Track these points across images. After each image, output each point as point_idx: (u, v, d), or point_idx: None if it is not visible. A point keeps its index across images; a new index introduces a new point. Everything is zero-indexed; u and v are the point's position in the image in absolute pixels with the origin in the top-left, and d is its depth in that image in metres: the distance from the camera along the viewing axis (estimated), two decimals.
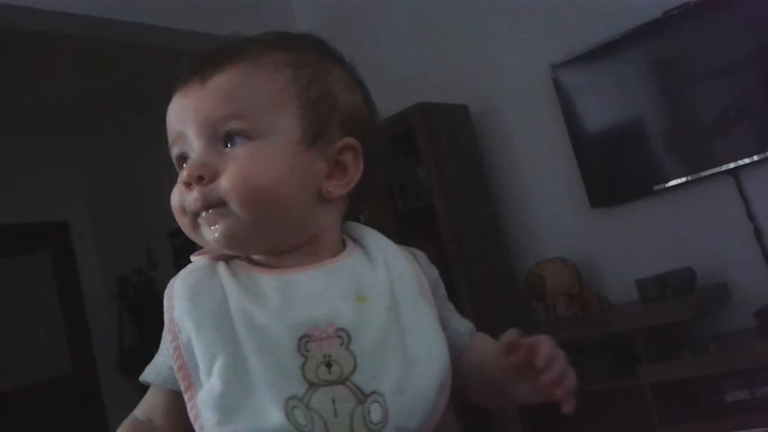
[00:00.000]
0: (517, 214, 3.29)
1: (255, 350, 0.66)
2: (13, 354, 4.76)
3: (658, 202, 2.85)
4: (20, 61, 4.03)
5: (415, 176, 3.22)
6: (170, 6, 3.12)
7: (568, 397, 0.69)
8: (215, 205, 0.70)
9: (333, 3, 3.71)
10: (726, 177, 2.67)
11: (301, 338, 0.67)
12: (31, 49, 3.85)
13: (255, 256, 0.75)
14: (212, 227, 0.71)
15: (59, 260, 5.30)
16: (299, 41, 0.79)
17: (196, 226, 0.73)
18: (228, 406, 0.65)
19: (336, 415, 0.64)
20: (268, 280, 0.72)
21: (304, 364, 0.66)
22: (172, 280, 0.75)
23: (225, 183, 0.69)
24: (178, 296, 0.72)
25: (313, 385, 0.65)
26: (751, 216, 2.64)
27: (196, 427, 0.68)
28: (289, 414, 0.63)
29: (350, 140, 0.75)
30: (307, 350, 0.66)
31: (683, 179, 2.75)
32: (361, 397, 0.66)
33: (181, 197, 0.73)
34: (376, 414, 0.65)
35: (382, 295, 0.72)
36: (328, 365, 0.66)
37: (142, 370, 0.76)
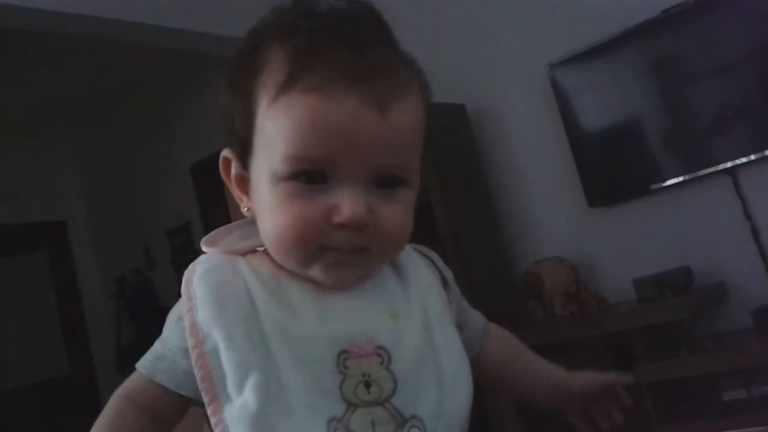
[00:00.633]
0: (515, 214, 3.30)
1: (291, 365, 0.62)
2: (11, 354, 4.76)
3: (655, 201, 2.86)
4: (20, 61, 4.03)
5: None
6: (170, 6, 3.11)
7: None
8: (359, 250, 0.65)
9: None
10: (723, 176, 2.67)
11: (340, 354, 0.63)
12: (31, 49, 3.85)
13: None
14: (339, 269, 0.66)
15: (57, 260, 5.29)
16: (394, 38, 0.72)
17: (313, 260, 0.66)
18: (264, 426, 0.61)
19: None
20: (298, 290, 0.67)
21: (342, 382, 0.62)
22: (188, 276, 0.70)
23: (386, 232, 0.65)
24: (201, 297, 0.66)
25: (351, 405, 0.61)
26: (748, 215, 2.64)
27: None
28: None
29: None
30: (346, 367, 0.63)
31: (681, 178, 2.75)
32: (400, 420, 0.63)
33: (311, 228, 0.64)
34: None
35: (415, 312, 0.69)
36: (367, 385, 0.62)
37: None
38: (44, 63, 4.15)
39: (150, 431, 0.69)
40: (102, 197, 5.37)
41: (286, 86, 0.63)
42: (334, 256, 0.65)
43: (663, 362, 2.43)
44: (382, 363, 0.64)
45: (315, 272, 0.66)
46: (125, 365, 4.86)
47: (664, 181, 2.80)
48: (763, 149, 2.56)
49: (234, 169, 0.73)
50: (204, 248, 0.73)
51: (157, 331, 0.71)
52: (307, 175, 0.64)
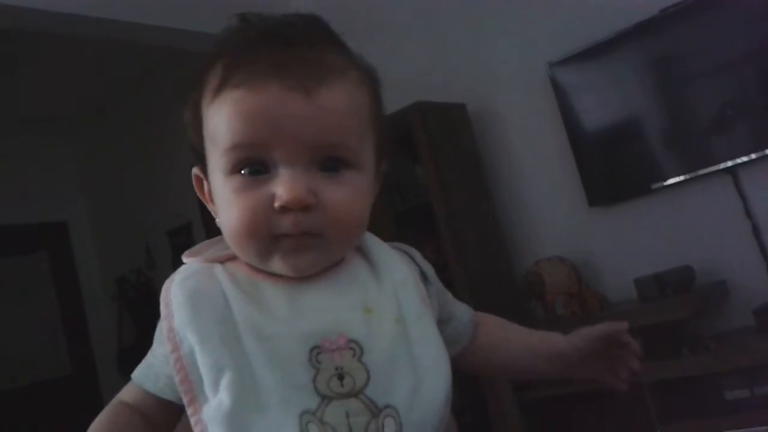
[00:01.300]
0: (516, 213, 3.29)
1: (264, 362, 0.64)
2: (13, 354, 4.75)
3: (656, 200, 2.86)
4: (20, 61, 4.03)
5: (413, 175, 3.22)
6: (170, 6, 3.12)
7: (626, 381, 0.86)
8: (311, 234, 0.67)
9: (331, 2, 3.70)
10: (724, 175, 2.67)
11: (312, 349, 0.65)
12: (31, 50, 3.85)
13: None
14: (295, 255, 0.67)
15: (58, 261, 5.30)
16: (335, 38, 0.73)
17: (270, 251, 0.68)
18: (239, 423, 0.62)
19: (350, 429, 0.63)
20: (272, 289, 0.69)
21: (315, 377, 0.64)
22: (167, 285, 0.72)
23: (335, 214, 0.67)
24: (177, 303, 0.69)
25: (325, 398, 0.63)
26: (749, 214, 2.64)
27: None
28: (303, 430, 0.62)
29: (385, 162, 0.77)
30: (319, 362, 0.64)
31: (681, 178, 2.75)
32: (375, 410, 0.64)
33: (259, 218, 0.67)
34: (390, 428, 0.64)
35: (389, 306, 0.71)
36: (340, 377, 0.64)
37: None
38: (45, 63, 4.15)
39: None
40: (103, 198, 5.38)
41: (219, 87, 0.67)
42: (287, 242, 0.66)
43: (664, 362, 2.43)
44: (354, 356, 0.65)
45: (275, 264, 0.68)
46: (126, 365, 4.86)
47: (664, 181, 2.79)
48: (764, 148, 2.56)
49: (206, 185, 0.76)
50: (185, 259, 0.75)
51: None
52: (250, 168, 0.67)
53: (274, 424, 0.62)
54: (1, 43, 3.62)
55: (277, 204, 0.65)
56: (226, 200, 0.69)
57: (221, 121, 0.67)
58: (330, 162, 0.67)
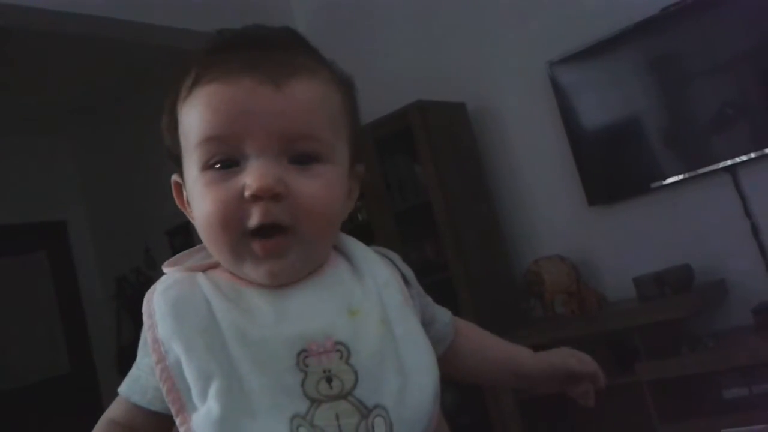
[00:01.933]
0: (515, 212, 3.30)
1: (252, 368, 0.64)
2: (11, 354, 4.76)
3: (655, 199, 2.86)
4: (19, 60, 4.03)
5: (412, 174, 3.22)
6: (170, 6, 3.12)
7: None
8: (281, 226, 0.67)
9: (331, 1, 3.71)
10: (723, 174, 2.67)
11: (299, 353, 0.65)
12: (31, 49, 3.85)
13: None
14: (267, 261, 0.67)
15: (57, 260, 5.30)
16: (308, 46, 0.75)
17: (241, 250, 0.68)
18: (229, 430, 0.62)
19: (341, 431, 0.63)
20: (256, 294, 0.69)
21: (304, 380, 0.64)
22: (148, 296, 0.72)
23: (305, 206, 0.67)
24: (161, 313, 0.69)
25: (314, 402, 0.63)
26: (748, 213, 2.64)
27: None
28: None
29: (361, 166, 0.78)
30: (306, 365, 0.64)
31: (680, 177, 2.75)
32: (364, 411, 0.64)
33: (230, 209, 0.67)
34: (380, 428, 0.64)
35: (373, 307, 0.71)
36: (329, 380, 0.64)
37: None
38: (45, 63, 4.15)
39: None
40: (102, 197, 5.37)
41: (193, 85, 0.69)
42: (259, 246, 0.67)
43: (663, 360, 2.43)
44: (341, 358, 0.66)
45: (248, 269, 0.69)
46: (126, 365, 4.85)
47: (664, 179, 2.80)
48: (763, 147, 2.56)
49: (184, 193, 0.76)
50: (165, 269, 0.75)
51: None
52: (222, 162, 0.67)
53: (264, 430, 0.62)
54: (1, 42, 3.62)
55: (247, 193, 0.65)
56: (199, 195, 0.69)
57: (194, 115, 0.68)
58: (301, 157, 0.68)
